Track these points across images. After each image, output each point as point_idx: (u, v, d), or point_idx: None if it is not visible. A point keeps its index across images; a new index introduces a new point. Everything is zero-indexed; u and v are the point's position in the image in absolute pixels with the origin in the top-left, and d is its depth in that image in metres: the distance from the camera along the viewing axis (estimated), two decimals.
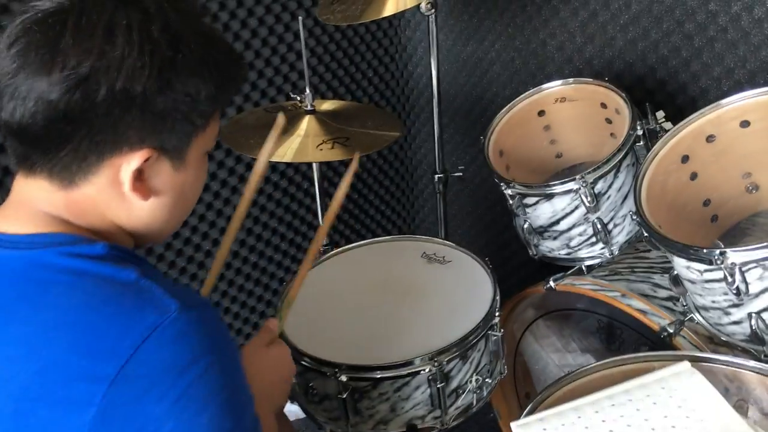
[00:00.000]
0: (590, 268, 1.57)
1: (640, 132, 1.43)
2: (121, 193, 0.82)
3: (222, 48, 0.85)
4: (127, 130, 0.78)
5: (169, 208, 0.87)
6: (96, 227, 0.84)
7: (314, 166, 1.76)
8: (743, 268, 1.09)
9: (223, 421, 0.76)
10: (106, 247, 0.80)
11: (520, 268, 2.25)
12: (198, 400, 0.74)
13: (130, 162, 0.80)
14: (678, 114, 1.39)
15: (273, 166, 2.13)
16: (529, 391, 1.83)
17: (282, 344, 1.15)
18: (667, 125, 1.44)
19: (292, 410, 1.55)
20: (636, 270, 1.55)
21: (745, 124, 1.32)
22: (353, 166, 1.19)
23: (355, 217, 2.46)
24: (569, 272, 1.58)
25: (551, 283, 1.54)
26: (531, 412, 1.12)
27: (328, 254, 1.60)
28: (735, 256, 1.09)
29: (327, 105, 1.74)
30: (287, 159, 1.53)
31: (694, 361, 1.13)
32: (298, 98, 1.64)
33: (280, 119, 1.08)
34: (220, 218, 2.09)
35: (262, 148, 1.15)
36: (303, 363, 1.31)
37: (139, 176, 0.82)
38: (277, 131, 1.10)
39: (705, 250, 1.12)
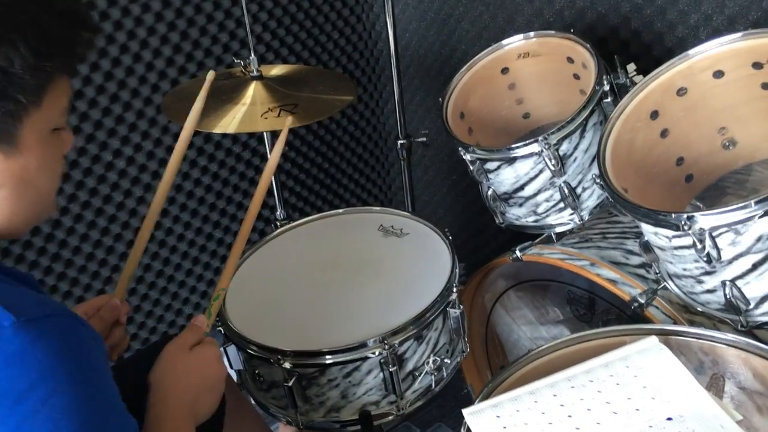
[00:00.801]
0: (560, 235, 1.48)
1: (607, 87, 1.32)
2: None
3: (45, 5, 0.72)
4: None
5: (11, 199, 0.76)
6: None
7: (266, 136, 1.65)
8: (713, 234, 1.00)
9: None
10: None
11: (496, 236, 2.15)
12: (42, 430, 0.64)
13: None
14: (654, 66, 1.28)
15: (218, 142, 2.01)
16: (504, 365, 1.74)
17: (209, 345, 1.04)
18: (638, 79, 1.33)
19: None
20: (608, 236, 1.45)
21: (718, 74, 1.20)
22: (282, 139, 1.08)
23: (327, 187, 2.36)
24: (537, 240, 1.49)
25: (517, 253, 1.45)
26: (486, 397, 1.03)
27: (278, 230, 1.50)
28: (704, 220, 0.99)
29: (276, 70, 1.63)
30: (231, 130, 1.42)
31: (665, 335, 1.05)
32: (242, 63, 1.52)
33: (210, 76, 1.02)
34: (179, 193, 1.99)
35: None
36: (247, 350, 1.22)
37: None
38: (206, 90, 1.00)
39: (673, 215, 1.02)
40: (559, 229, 1.44)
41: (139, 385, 0.90)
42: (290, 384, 1.18)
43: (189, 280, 2.12)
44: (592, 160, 1.35)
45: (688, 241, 1.03)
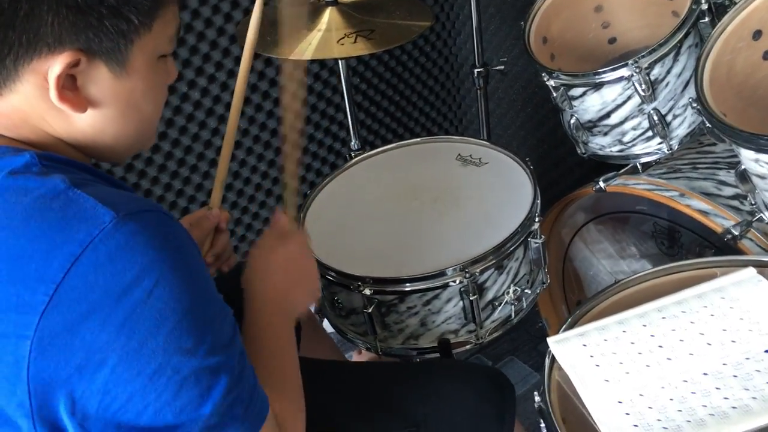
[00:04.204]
0: (646, 165, 1.42)
1: (705, 6, 1.23)
2: (53, 103, 0.71)
3: None
4: (41, 28, 0.67)
5: (116, 120, 0.76)
6: (32, 141, 0.74)
7: (340, 64, 1.62)
8: None
9: (181, 340, 0.67)
10: (34, 156, 0.70)
11: (573, 170, 2.09)
12: (147, 323, 0.65)
13: (53, 67, 0.69)
14: None
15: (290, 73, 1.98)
16: (580, 299, 1.72)
17: (294, 237, 1.03)
18: None
19: (325, 324, 1.49)
20: (698, 166, 1.38)
21: None
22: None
23: (397, 120, 2.32)
24: (622, 171, 1.43)
25: (601, 184, 1.40)
26: (571, 327, 1.01)
27: (355, 159, 1.49)
28: None
29: None
30: (307, 56, 1.40)
31: (762, 266, 1.00)
32: None
33: None
34: (223, 124, 1.97)
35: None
36: (327, 277, 1.22)
37: (71, 85, 0.71)
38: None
39: None
40: (645, 159, 1.38)
41: None
42: (369, 311, 1.18)
43: (262, 212, 2.14)
44: (685, 86, 1.28)
45: None
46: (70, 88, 0.71)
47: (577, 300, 1.72)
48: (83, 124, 0.74)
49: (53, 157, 0.73)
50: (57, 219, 0.66)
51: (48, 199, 0.67)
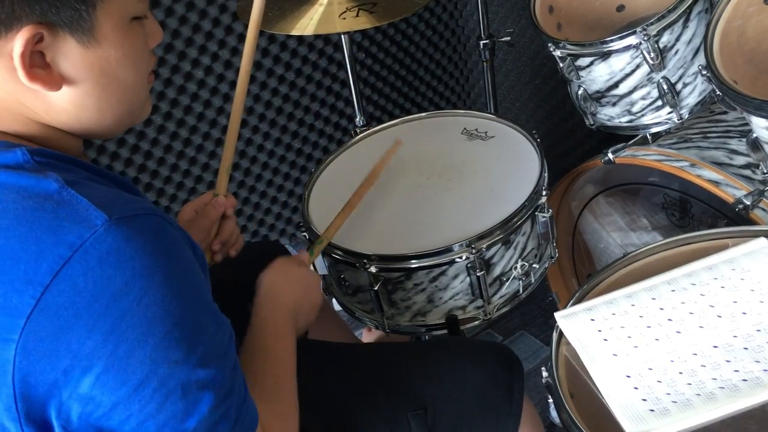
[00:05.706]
0: (656, 135, 1.39)
1: None
2: (25, 85, 0.68)
3: None
4: None
5: (95, 93, 0.72)
6: (18, 131, 0.72)
7: (344, 39, 1.60)
8: None
9: (169, 351, 0.65)
10: (26, 152, 0.68)
11: (582, 143, 2.06)
12: (135, 332, 0.63)
13: (15, 46, 0.65)
14: None
15: (294, 49, 1.97)
16: (590, 273, 1.70)
17: (312, 272, 1.10)
18: None
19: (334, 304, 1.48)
20: (709, 135, 1.35)
21: None
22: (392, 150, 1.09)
23: (403, 94, 2.30)
24: (631, 142, 1.40)
25: (610, 156, 1.37)
26: (579, 301, 1.00)
27: (360, 135, 1.47)
28: None
29: None
30: (309, 31, 1.37)
31: None
32: None
33: None
34: (227, 103, 1.95)
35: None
36: (333, 255, 1.21)
37: (41, 62, 0.68)
38: None
39: None
40: (655, 129, 1.36)
41: (224, 284, 0.90)
42: (376, 288, 1.17)
43: (269, 190, 2.13)
44: (695, 53, 1.25)
45: None
46: (41, 65, 0.68)
47: (587, 273, 1.70)
48: (62, 102, 0.71)
49: (47, 153, 0.71)
50: (48, 220, 0.63)
51: (41, 199, 0.64)
